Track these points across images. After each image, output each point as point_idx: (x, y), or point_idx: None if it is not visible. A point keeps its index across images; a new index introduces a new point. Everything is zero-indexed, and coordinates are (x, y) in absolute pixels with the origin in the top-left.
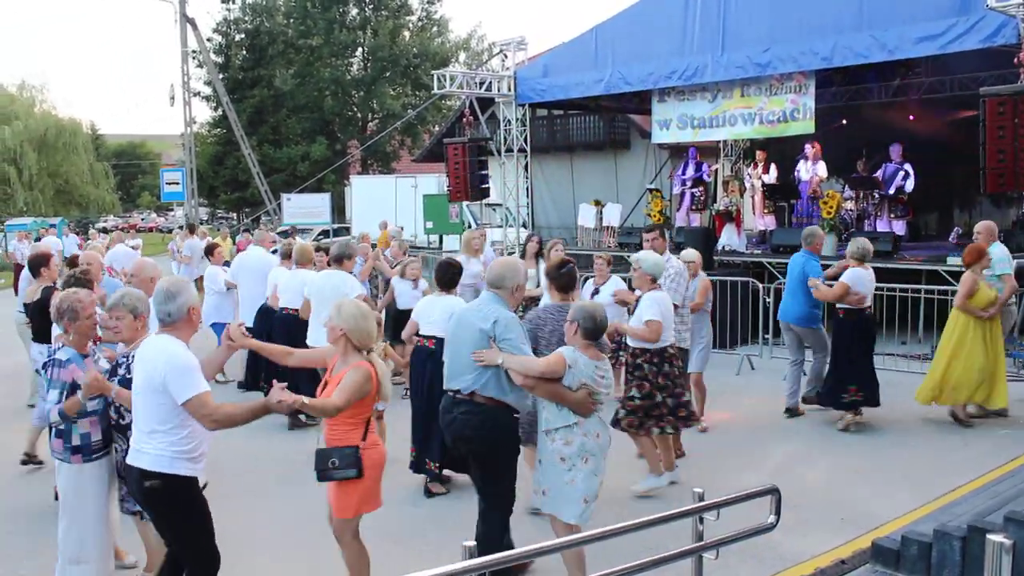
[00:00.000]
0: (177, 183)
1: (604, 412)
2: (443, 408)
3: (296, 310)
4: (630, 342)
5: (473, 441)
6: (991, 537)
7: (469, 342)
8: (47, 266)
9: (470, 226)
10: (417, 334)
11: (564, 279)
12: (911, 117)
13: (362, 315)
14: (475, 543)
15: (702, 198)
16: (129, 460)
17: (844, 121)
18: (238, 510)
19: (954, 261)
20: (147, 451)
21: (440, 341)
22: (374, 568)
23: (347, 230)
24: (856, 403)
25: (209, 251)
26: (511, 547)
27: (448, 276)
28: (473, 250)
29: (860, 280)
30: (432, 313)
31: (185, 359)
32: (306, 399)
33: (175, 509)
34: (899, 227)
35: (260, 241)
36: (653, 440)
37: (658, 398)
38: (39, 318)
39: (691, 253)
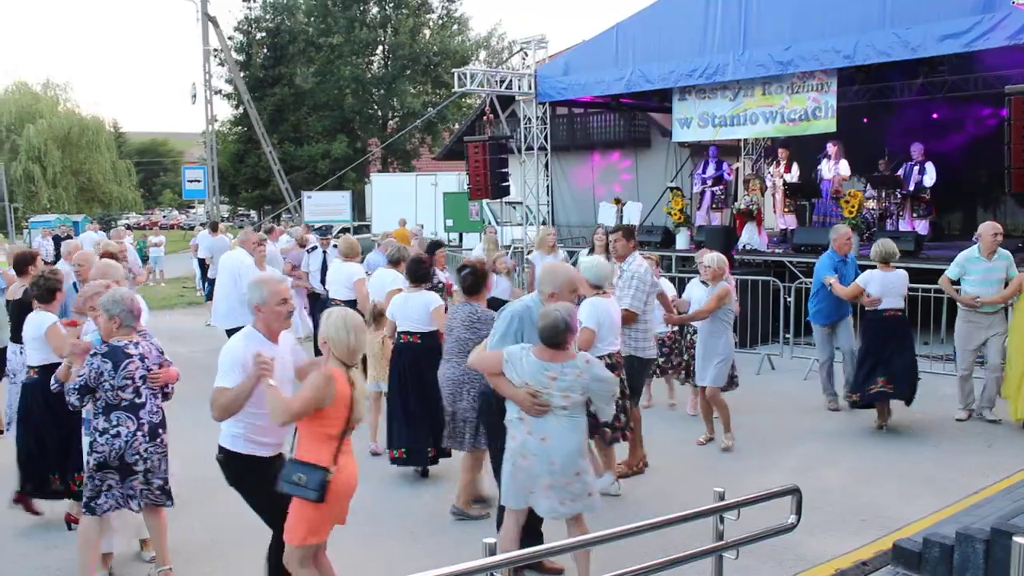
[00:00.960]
0: (199, 181)
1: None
2: None
3: (343, 301)
4: None
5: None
6: (1017, 540)
7: None
8: (33, 264)
9: (489, 223)
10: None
11: (466, 281)
12: (935, 115)
13: (347, 328)
14: (495, 540)
15: (722, 197)
16: None
17: (866, 120)
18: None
19: None
20: (222, 428)
21: (424, 335)
22: (393, 565)
23: (367, 228)
24: (884, 394)
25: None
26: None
27: (420, 273)
28: (548, 247)
29: (873, 280)
30: (407, 308)
31: (229, 351)
32: (272, 382)
33: (239, 482)
34: (922, 226)
35: (243, 242)
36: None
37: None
38: (17, 317)
39: (712, 257)
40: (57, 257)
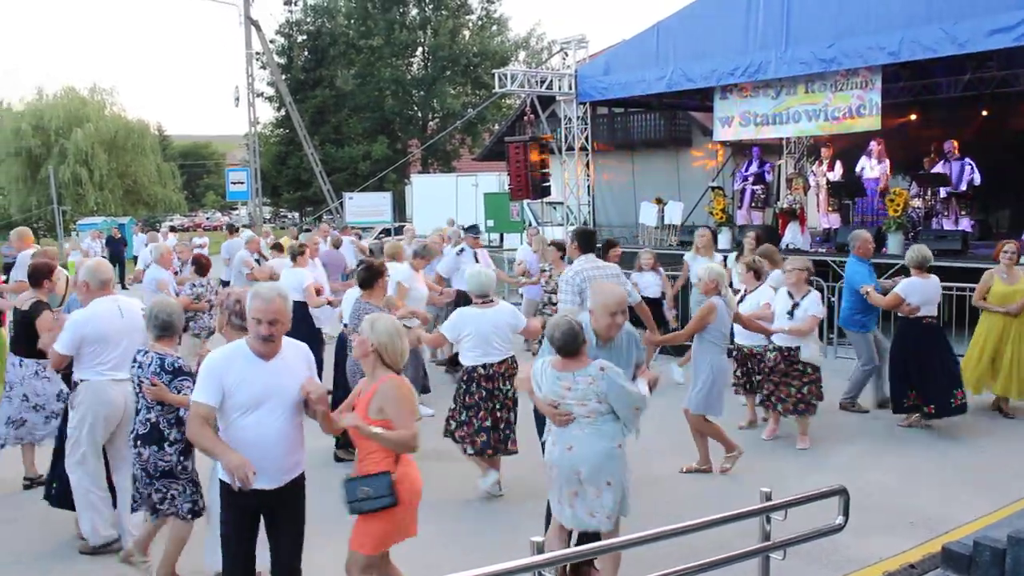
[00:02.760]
0: (242, 183)
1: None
2: None
3: None
4: None
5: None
6: None
7: None
8: (49, 278)
9: (530, 224)
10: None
11: (361, 276)
12: (983, 112)
13: (397, 332)
14: (540, 539)
15: (763, 196)
16: None
17: (912, 117)
18: None
19: None
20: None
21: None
22: (434, 565)
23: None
24: (917, 408)
25: (297, 254)
26: None
27: (368, 276)
28: (704, 248)
29: (913, 289)
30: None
31: (209, 362)
32: (377, 429)
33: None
34: (967, 225)
35: (249, 243)
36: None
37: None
38: (22, 329)
39: (709, 270)
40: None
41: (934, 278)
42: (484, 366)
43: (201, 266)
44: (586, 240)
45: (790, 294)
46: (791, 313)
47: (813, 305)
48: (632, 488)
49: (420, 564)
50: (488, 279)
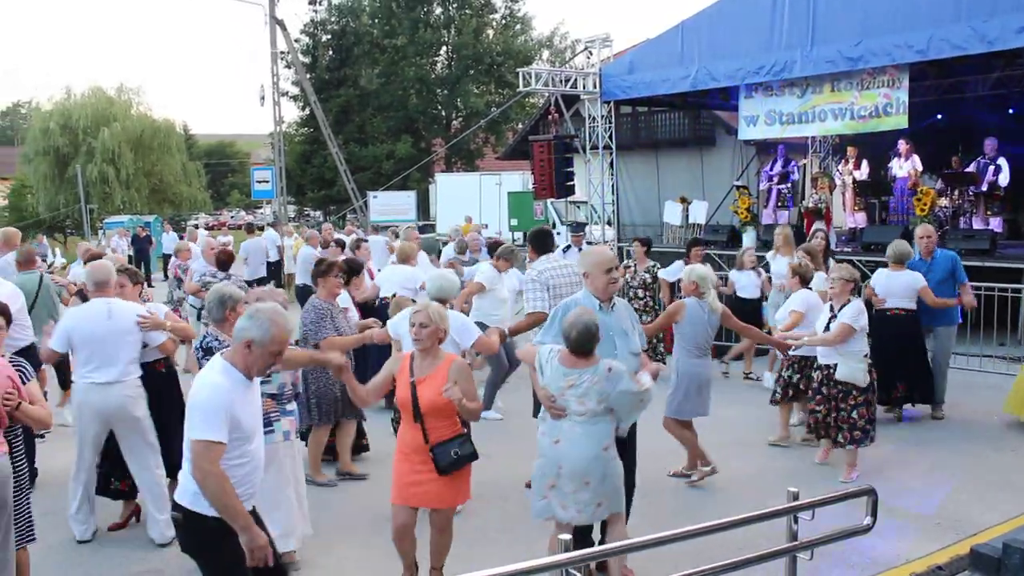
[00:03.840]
0: (267, 181)
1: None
2: None
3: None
4: None
5: None
6: None
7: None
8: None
9: (554, 224)
10: None
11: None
12: (1011, 110)
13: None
14: (571, 537)
15: (789, 195)
16: None
17: (939, 115)
18: None
19: None
20: (180, 481)
21: None
22: (463, 564)
23: (432, 227)
24: (908, 399)
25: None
26: None
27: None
28: (786, 247)
29: (877, 281)
30: None
31: (210, 392)
32: (463, 399)
33: (200, 548)
34: (996, 224)
35: (309, 240)
36: None
37: None
38: None
39: (690, 271)
40: (133, 258)
41: (907, 273)
42: None
43: (221, 261)
44: (540, 241)
45: (831, 306)
46: (828, 327)
47: (846, 313)
48: (622, 485)
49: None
50: (448, 284)
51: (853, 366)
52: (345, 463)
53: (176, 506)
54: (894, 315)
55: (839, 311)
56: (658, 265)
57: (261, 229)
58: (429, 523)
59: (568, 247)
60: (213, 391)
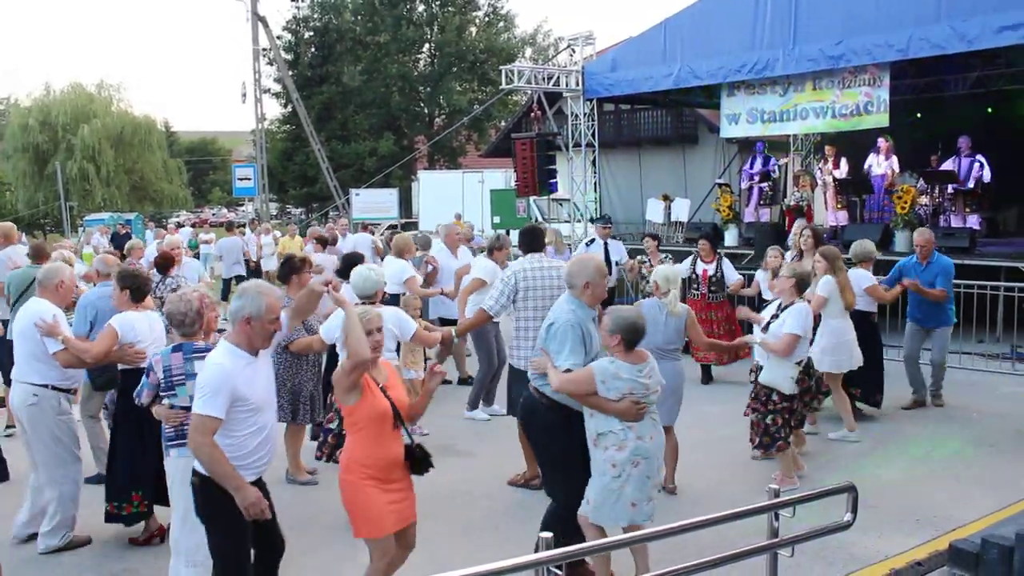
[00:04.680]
0: (248, 179)
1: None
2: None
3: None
4: None
5: (528, 430)
6: None
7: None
8: None
9: (537, 221)
10: None
11: (281, 271)
12: (989, 109)
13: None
14: (551, 535)
15: (770, 193)
16: None
17: (919, 114)
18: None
19: None
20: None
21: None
22: (448, 562)
23: (415, 225)
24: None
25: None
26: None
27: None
28: (808, 249)
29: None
30: None
31: (214, 370)
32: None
33: (204, 508)
34: (974, 222)
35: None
36: None
37: None
38: None
39: (658, 271)
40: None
41: (858, 271)
42: None
43: (160, 265)
44: (528, 239)
45: (779, 303)
46: (767, 327)
47: (791, 321)
48: None
49: (430, 560)
50: (373, 281)
51: (779, 372)
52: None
53: (195, 472)
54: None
55: (783, 312)
56: (671, 258)
57: (241, 227)
58: (401, 544)
59: (592, 240)
60: (214, 371)
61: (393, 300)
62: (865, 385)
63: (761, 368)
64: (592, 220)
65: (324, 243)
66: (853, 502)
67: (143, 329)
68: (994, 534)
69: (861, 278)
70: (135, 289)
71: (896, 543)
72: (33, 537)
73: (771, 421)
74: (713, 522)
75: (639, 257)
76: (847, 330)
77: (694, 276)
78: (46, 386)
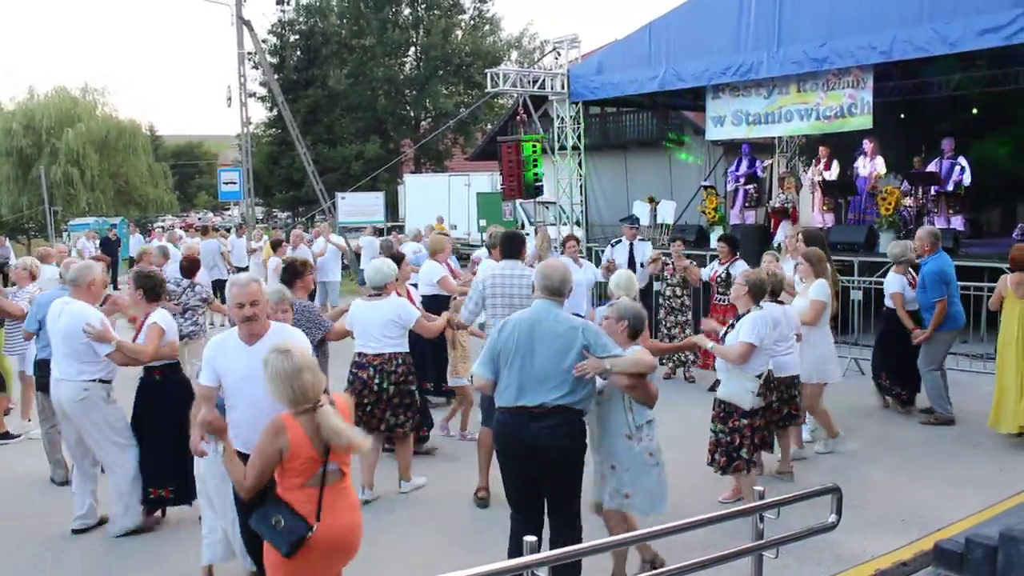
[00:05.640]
0: (234, 183)
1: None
2: (515, 425)
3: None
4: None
5: (569, 452)
6: None
7: (555, 354)
8: None
9: (523, 225)
10: None
11: (284, 276)
12: (973, 111)
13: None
14: (536, 539)
15: (755, 195)
16: None
17: (903, 116)
18: None
19: None
20: None
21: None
22: (431, 566)
23: (400, 228)
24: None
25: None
26: None
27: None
28: (793, 250)
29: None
30: None
31: (208, 347)
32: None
33: None
34: (958, 223)
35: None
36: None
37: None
38: None
39: (614, 277)
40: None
41: (893, 278)
42: (358, 355)
43: (185, 268)
44: (505, 245)
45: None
46: (724, 337)
47: (746, 327)
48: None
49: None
50: (384, 274)
51: (738, 385)
52: None
53: None
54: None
55: (738, 319)
56: (694, 263)
57: (216, 231)
58: None
59: (618, 241)
60: (206, 349)
61: (427, 301)
62: (902, 380)
63: (719, 382)
64: (624, 220)
65: (277, 246)
66: (838, 503)
67: (175, 326)
68: (978, 534)
69: (892, 283)
70: (149, 289)
71: (882, 543)
72: (87, 529)
73: (730, 440)
74: (698, 524)
75: (663, 258)
76: (830, 338)
77: (720, 279)
78: (94, 380)
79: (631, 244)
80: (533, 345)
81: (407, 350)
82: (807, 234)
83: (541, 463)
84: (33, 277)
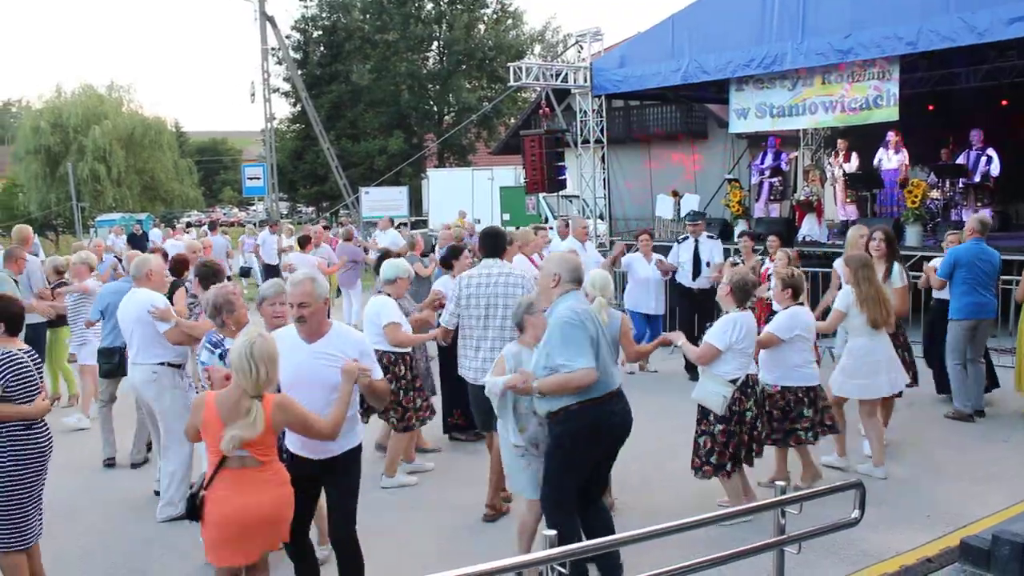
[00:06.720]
0: (258, 178)
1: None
2: (617, 410)
3: None
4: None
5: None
6: None
7: (609, 341)
8: None
9: (546, 219)
10: None
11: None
12: (1003, 102)
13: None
14: (555, 533)
15: (780, 188)
16: None
17: (930, 107)
18: None
19: None
20: None
21: None
22: (451, 555)
23: (424, 223)
24: None
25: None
26: None
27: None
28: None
29: None
30: None
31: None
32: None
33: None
34: (987, 216)
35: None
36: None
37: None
38: None
39: (591, 278)
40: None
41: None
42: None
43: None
44: (485, 243)
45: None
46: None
47: (715, 328)
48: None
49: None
50: (401, 269)
51: (709, 387)
52: None
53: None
54: None
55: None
56: (760, 259)
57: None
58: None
59: (685, 238)
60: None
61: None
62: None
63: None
64: (688, 216)
65: (304, 243)
66: (861, 499)
67: None
68: (1006, 530)
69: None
70: (203, 277)
71: (906, 539)
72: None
73: (702, 442)
74: (720, 519)
75: (731, 259)
76: (875, 350)
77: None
78: (163, 364)
79: (696, 240)
80: (600, 332)
81: (392, 350)
82: (889, 236)
83: (619, 444)
84: (91, 269)
